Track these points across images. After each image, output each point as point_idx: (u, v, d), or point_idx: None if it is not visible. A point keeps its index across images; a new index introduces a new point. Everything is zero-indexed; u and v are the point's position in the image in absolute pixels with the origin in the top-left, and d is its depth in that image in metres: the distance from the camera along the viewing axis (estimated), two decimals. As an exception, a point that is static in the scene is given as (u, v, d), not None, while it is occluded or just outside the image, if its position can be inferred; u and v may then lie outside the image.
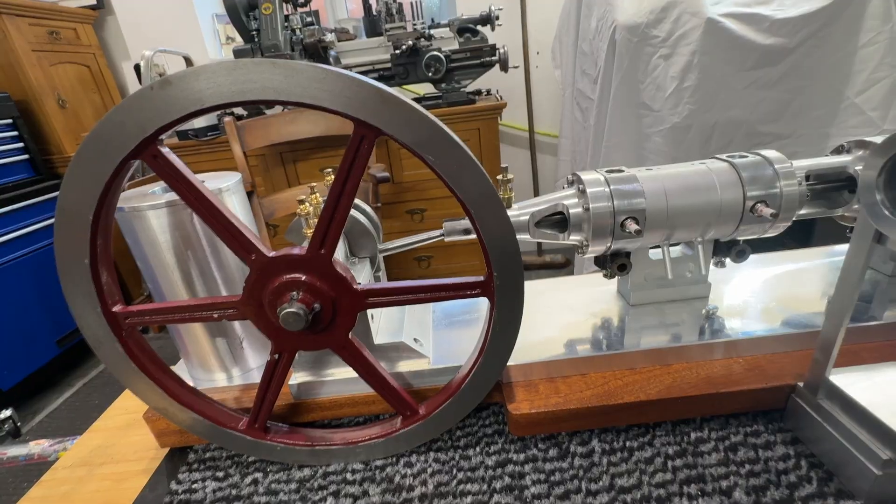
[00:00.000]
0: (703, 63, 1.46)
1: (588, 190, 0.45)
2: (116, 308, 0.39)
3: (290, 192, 1.64)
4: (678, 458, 0.42)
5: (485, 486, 0.42)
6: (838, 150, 0.49)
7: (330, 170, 0.52)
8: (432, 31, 1.89)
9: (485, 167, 0.33)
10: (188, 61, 2.26)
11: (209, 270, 0.48)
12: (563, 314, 0.55)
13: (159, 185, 0.50)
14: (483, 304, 0.60)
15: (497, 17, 1.88)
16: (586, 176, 0.47)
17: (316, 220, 0.38)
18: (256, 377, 0.51)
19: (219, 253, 0.48)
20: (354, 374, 0.47)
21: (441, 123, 0.32)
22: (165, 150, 0.34)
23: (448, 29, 1.90)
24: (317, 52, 1.81)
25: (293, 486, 0.44)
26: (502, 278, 0.37)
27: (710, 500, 0.38)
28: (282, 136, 1.78)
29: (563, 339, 0.50)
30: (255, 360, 0.53)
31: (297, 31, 1.76)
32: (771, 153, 0.46)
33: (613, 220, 0.45)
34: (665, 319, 0.51)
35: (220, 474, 0.46)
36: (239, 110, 1.90)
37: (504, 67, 1.83)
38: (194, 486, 0.45)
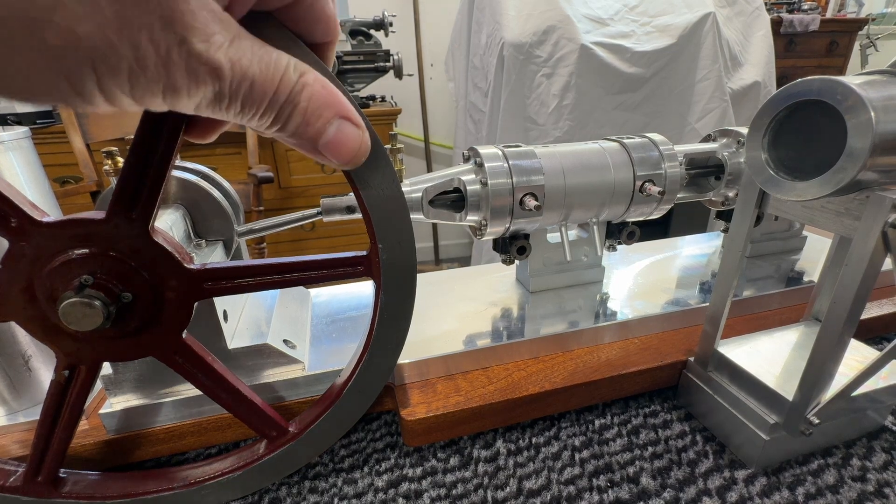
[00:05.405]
0: (579, 84, 1.59)
1: (486, 164, 0.41)
2: None
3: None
4: (585, 450, 0.39)
5: (373, 515, 0.34)
6: (706, 139, 0.53)
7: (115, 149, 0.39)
8: (322, 30, 1.78)
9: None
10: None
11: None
12: (462, 305, 0.50)
13: None
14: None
15: (391, 24, 1.85)
16: (484, 150, 0.43)
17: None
18: (51, 410, 0.37)
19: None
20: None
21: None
22: None
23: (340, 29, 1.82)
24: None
25: (97, 558, 0.31)
26: (389, 251, 0.30)
27: (620, 489, 0.35)
28: (137, 128, 1.50)
29: (462, 332, 0.45)
30: (51, 387, 0.38)
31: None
32: (655, 136, 0.47)
33: (513, 196, 0.42)
34: (564, 305, 0.49)
35: (-28, 561, 0.31)
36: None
37: (399, 74, 1.81)
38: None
